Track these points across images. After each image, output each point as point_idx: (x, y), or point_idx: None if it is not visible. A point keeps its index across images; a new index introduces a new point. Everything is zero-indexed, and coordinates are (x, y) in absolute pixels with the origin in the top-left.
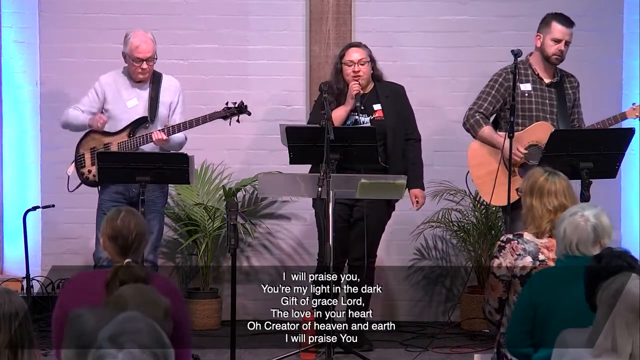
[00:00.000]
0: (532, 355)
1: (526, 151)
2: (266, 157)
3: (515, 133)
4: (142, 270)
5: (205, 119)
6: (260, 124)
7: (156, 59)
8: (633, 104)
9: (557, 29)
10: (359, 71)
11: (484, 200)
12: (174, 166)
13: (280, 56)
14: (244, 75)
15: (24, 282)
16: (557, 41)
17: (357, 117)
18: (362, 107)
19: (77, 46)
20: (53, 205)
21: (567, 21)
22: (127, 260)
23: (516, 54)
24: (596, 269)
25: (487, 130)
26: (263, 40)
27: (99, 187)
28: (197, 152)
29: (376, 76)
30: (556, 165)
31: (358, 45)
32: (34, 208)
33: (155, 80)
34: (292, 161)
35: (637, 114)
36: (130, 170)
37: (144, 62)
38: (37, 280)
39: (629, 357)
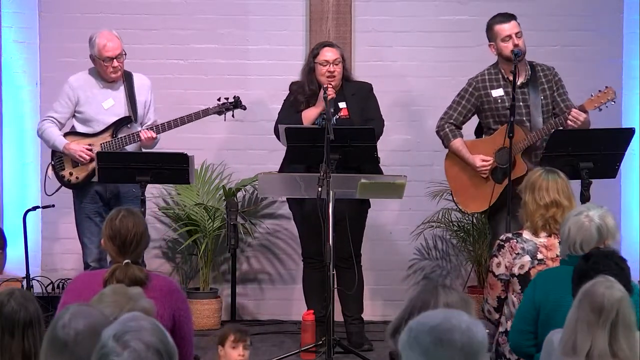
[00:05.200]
0: (534, 355)
1: (490, 159)
2: (266, 157)
3: (487, 138)
4: (141, 270)
5: (199, 115)
6: (260, 124)
7: (125, 54)
8: (591, 94)
9: (501, 28)
10: (334, 71)
11: None
12: (174, 166)
13: (280, 56)
14: (244, 75)
15: (24, 282)
16: (508, 38)
17: (325, 116)
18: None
19: (77, 46)
20: (53, 205)
21: (505, 17)
22: (125, 261)
23: (516, 53)
24: (584, 269)
25: (455, 144)
26: (263, 40)
27: (74, 191)
28: (197, 152)
29: (346, 76)
30: (556, 165)
31: (331, 44)
32: (34, 208)
33: (127, 79)
34: (292, 161)
35: (595, 104)
36: (130, 170)
37: (114, 60)
38: (37, 280)
39: (585, 357)
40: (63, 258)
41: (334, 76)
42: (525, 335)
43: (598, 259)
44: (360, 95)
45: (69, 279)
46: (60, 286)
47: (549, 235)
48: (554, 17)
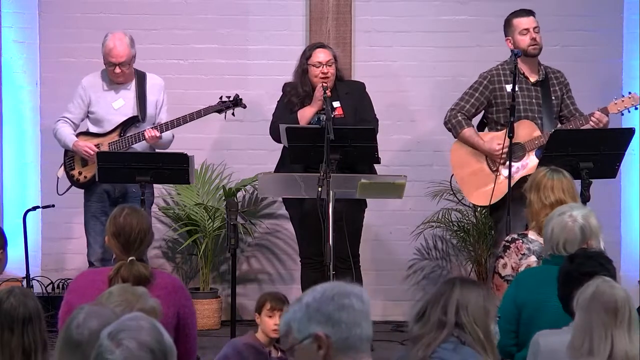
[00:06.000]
0: (515, 354)
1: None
2: (266, 157)
3: (498, 132)
4: (146, 267)
5: (200, 114)
6: (260, 124)
7: (131, 62)
8: (615, 98)
9: (520, 21)
10: (327, 72)
11: None
12: (174, 166)
13: (280, 56)
14: (244, 75)
15: (24, 282)
16: (525, 32)
17: (321, 116)
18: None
19: (77, 46)
20: (53, 205)
21: (525, 12)
22: (130, 258)
23: (516, 54)
24: (569, 270)
25: (468, 132)
26: (263, 40)
27: (84, 190)
28: (197, 152)
29: (338, 76)
30: (556, 165)
31: (323, 45)
32: (34, 208)
33: (139, 80)
34: (292, 161)
35: (619, 108)
36: (130, 170)
37: (117, 67)
38: (37, 280)
39: (608, 358)
40: (63, 258)
41: (328, 77)
42: (507, 335)
43: (583, 260)
44: (353, 94)
45: (69, 279)
46: (61, 286)
47: None
48: (554, 17)
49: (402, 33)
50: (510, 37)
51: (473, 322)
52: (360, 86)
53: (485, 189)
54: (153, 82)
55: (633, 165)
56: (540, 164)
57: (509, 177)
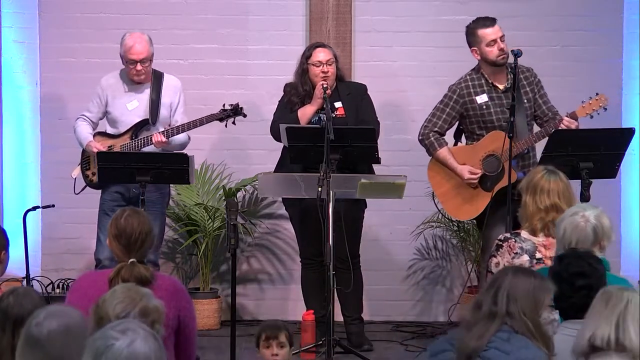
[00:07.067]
0: None
1: (479, 172)
2: (266, 157)
3: (472, 144)
4: (147, 269)
5: (202, 122)
6: (260, 124)
7: (151, 60)
8: (582, 101)
9: (485, 32)
10: (327, 71)
11: None
12: (174, 166)
13: (280, 56)
14: (244, 75)
15: (24, 282)
16: (493, 43)
17: (321, 115)
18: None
19: (77, 46)
20: (53, 205)
21: (488, 20)
22: (131, 260)
23: (516, 54)
24: (558, 270)
25: (442, 153)
26: (263, 40)
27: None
28: (197, 152)
29: (339, 76)
30: (555, 165)
31: (323, 45)
32: (34, 208)
33: (156, 81)
34: (292, 161)
35: (587, 112)
36: (130, 170)
37: (138, 64)
38: (37, 280)
39: None
40: (63, 258)
41: (328, 76)
42: None
43: (571, 260)
44: (355, 95)
45: (69, 279)
46: (61, 286)
47: (548, 235)
48: (554, 17)
49: (402, 33)
50: (476, 48)
51: (521, 312)
52: (362, 88)
53: (469, 203)
54: (168, 83)
55: (633, 165)
56: (539, 164)
57: (509, 176)
